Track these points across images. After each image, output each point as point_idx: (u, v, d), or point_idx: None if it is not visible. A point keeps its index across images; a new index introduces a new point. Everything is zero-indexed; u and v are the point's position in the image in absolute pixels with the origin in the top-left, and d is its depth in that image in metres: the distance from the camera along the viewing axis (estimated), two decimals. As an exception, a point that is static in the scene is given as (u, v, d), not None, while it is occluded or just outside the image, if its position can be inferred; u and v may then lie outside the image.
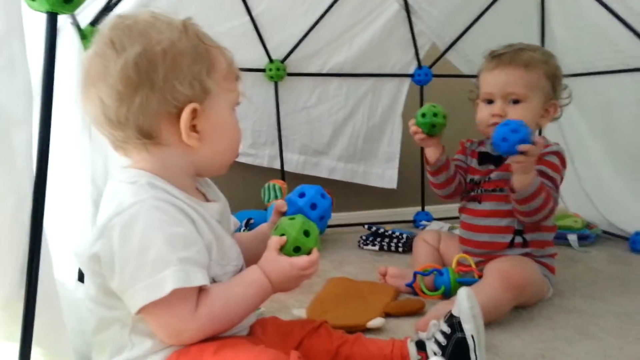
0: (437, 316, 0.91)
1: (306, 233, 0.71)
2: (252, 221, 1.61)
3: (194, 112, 0.68)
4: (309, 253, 0.72)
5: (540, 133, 1.70)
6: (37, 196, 0.61)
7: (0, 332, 0.62)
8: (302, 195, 0.78)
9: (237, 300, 0.70)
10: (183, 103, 0.67)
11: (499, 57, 1.22)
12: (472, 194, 1.29)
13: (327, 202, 0.78)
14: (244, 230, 1.58)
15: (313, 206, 0.77)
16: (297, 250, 0.71)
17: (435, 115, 1.21)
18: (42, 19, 0.64)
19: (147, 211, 0.64)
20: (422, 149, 1.91)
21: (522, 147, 1.04)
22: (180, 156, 0.71)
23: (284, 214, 0.79)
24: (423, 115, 1.22)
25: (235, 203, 1.81)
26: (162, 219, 0.65)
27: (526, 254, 1.20)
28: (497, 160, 1.25)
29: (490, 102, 1.23)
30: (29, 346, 0.60)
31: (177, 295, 0.63)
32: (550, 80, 1.20)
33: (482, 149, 1.30)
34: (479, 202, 1.26)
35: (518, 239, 1.20)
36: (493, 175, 1.24)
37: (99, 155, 1.03)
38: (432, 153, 1.27)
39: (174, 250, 0.64)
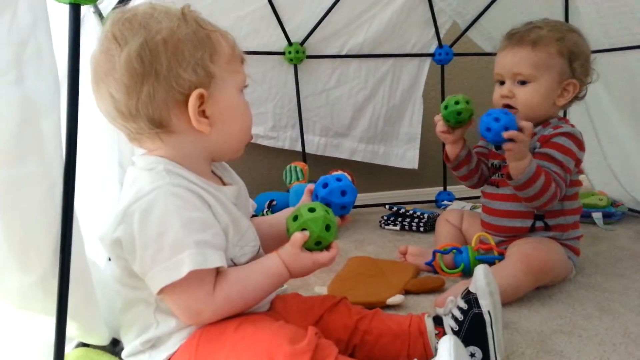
0: (455, 294, 0.93)
1: (327, 227, 0.72)
2: (274, 202, 1.64)
3: (201, 97, 0.69)
4: (328, 245, 0.74)
5: (565, 114, 1.67)
6: (67, 180, 0.65)
7: (37, 306, 0.66)
8: (325, 185, 0.79)
9: (255, 287, 0.72)
10: (189, 89, 0.69)
11: (509, 37, 1.20)
12: (493, 178, 1.27)
13: (344, 183, 0.79)
14: (266, 211, 1.62)
15: (338, 180, 0.78)
16: (318, 244, 0.73)
17: (457, 103, 1.19)
18: (65, 10, 0.67)
19: (164, 197, 0.66)
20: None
21: (507, 134, 1.04)
22: (194, 142, 0.72)
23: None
24: (445, 107, 1.20)
25: (258, 185, 1.86)
26: (179, 205, 0.67)
27: (550, 237, 1.18)
28: None
29: (502, 83, 1.21)
30: (64, 320, 0.64)
31: (194, 277, 0.65)
32: (567, 58, 1.15)
33: None
34: (497, 187, 1.24)
35: (539, 224, 1.18)
36: None
37: (125, 140, 1.06)
38: (451, 150, 1.26)
39: (191, 234, 0.66)
